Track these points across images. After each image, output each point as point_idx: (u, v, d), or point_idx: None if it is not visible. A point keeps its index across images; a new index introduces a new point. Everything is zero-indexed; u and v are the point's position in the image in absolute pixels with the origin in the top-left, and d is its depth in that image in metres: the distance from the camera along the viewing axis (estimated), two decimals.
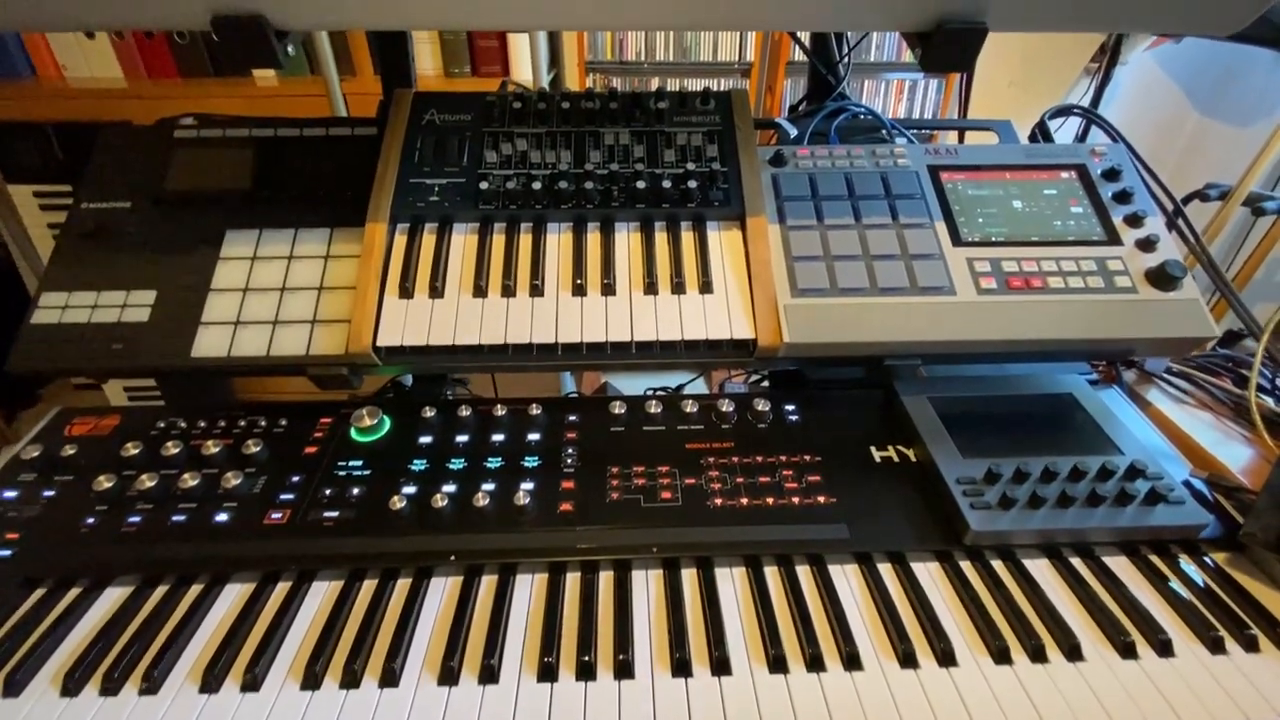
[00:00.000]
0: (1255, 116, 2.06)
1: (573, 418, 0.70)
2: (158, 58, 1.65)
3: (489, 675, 0.49)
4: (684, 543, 0.58)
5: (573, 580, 0.57)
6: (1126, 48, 1.70)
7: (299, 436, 0.68)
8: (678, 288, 0.68)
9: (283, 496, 0.62)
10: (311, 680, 0.49)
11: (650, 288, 0.67)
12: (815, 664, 0.50)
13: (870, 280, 0.67)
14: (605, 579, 0.57)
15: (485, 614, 0.53)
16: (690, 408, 0.70)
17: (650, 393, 0.88)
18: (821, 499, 0.62)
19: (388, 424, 0.69)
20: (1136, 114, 2.26)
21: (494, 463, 0.65)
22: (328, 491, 0.62)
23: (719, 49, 2.11)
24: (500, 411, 0.69)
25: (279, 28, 0.52)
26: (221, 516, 0.60)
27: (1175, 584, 0.57)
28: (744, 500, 0.62)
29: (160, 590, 0.57)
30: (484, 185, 0.71)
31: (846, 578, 0.57)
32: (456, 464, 0.65)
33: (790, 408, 0.71)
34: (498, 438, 0.67)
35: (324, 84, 1.55)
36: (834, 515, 0.60)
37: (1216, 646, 0.52)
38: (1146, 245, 0.70)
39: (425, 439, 0.67)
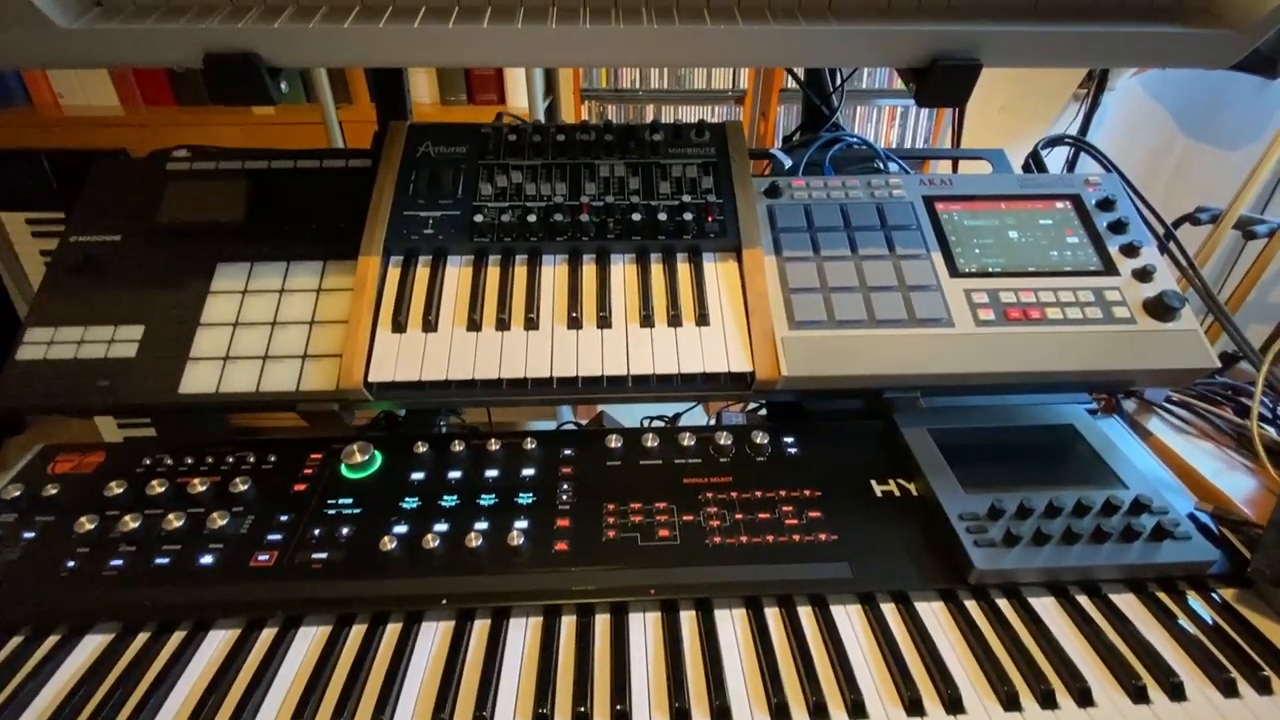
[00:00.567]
0: (1242, 140, 2.08)
1: (568, 451, 0.68)
2: (154, 86, 1.66)
3: None
4: (682, 584, 0.57)
5: (568, 624, 0.55)
6: (1114, 74, 1.72)
7: (289, 473, 0.67)
8: (674, 320, 0.67)
9: (270, 537, 0.60)
10: None
11: (646, 320, 0.67)
12: (819, 712, 0.48)
13: (868, 312, 0.67)
14: (601, 622, 0.55)
15: (478, 661, 0.52)
16: (687, 440, 0.69)
17: (647, 424, 0.88)
18: (823, 536, 0.61)
19: (379, 460, 0.68)
20: (1125, 138, 2.29)
21: (487, 499, 0.64)
22: (316, 531, 0.61)
23: (713, 77, 2.14)
24: (494, 446, 0.68)
25: (271, 65, 0.52)
26: (206, 559, 0.59)
27: (1184, 622, 0.56)
28: (743, 538, 0.60)
29: (142, 637, 0.55)
30: (479, 218, 0.71)
31: (850, 619, 0.55)
32: (449, 501, 0.64)
33: (789, 439, 0.70)
34: (491, 473, 0.66)
35: (321, 112, 1.55)
36: (836, 553, 0.59)
37: (1229, 689, 0.50)
38: (1143, 275, 0.70)
39: (417, 475, 0.66)
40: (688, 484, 0.66)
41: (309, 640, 0.54)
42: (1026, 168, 0.87)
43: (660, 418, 0.97)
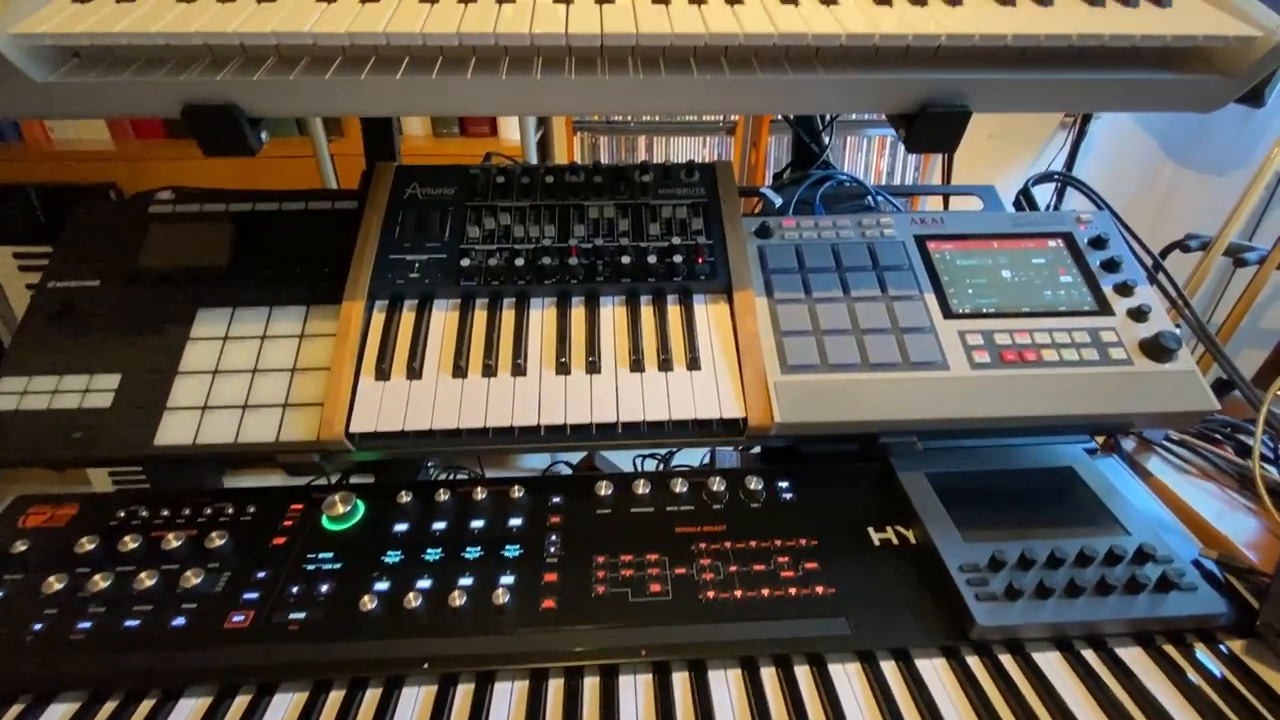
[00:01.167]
0: (1229, 166, 2.11)
1: (556, 499, 0.67)
2: (145, 120, 1.66)
3: None
4: (675, 643, 0.55)
5: (556, 688, 0.53)
6: None
7: (267, 525, 0.64)
8: (665, 365, 0.66)
9: (246, 596, 0.58)
10: None
11: (636, 365, 0.66)
12: None
13: (861, 355, 0.66)
14: (590, 685, 0.53)
15: None
16: (680, 487, 0.67)
17: (639, 462, 0.86)
18: (819, 589, 0.59)
19: (361, 510, 0.66)
20: (1112, 165, 2.31)
21: (473, 552, 0.62)
22: (295, 589, 0.59)
23: None
24: (480, 495, 0.66)
25: (251, 115, 0.51)
26: (179, 620, 0.56)
27: (1192, 676, 0.54)
28: (738, 592, 0.58)
29: (109, 706, 0.53)
30: (466, 261, 0.70)
31: (848, 679, 0.53)
32: (433, 554, 0.61)
33: (784, 484, 0.68)
34: (477, 523, 0.64)
35: (312, 145, 1.55)
36: (833, 608, 0.57)
37: None
38: (1138, 315, 0.69)
39: (400, 526, 0.64)
40: (680, 533, 0.64)
41: (284, 709, 0.52)
42: (1018, 204, 0.87)
43: (653, 455, 0.95)
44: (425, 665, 0.53)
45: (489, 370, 0.64)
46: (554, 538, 0.63)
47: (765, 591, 0.58)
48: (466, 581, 0.59)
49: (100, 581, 0.58)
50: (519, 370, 0.65)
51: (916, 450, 0.69)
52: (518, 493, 0.67)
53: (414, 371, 0.64)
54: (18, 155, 1.61)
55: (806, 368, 0.65)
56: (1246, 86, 0.53)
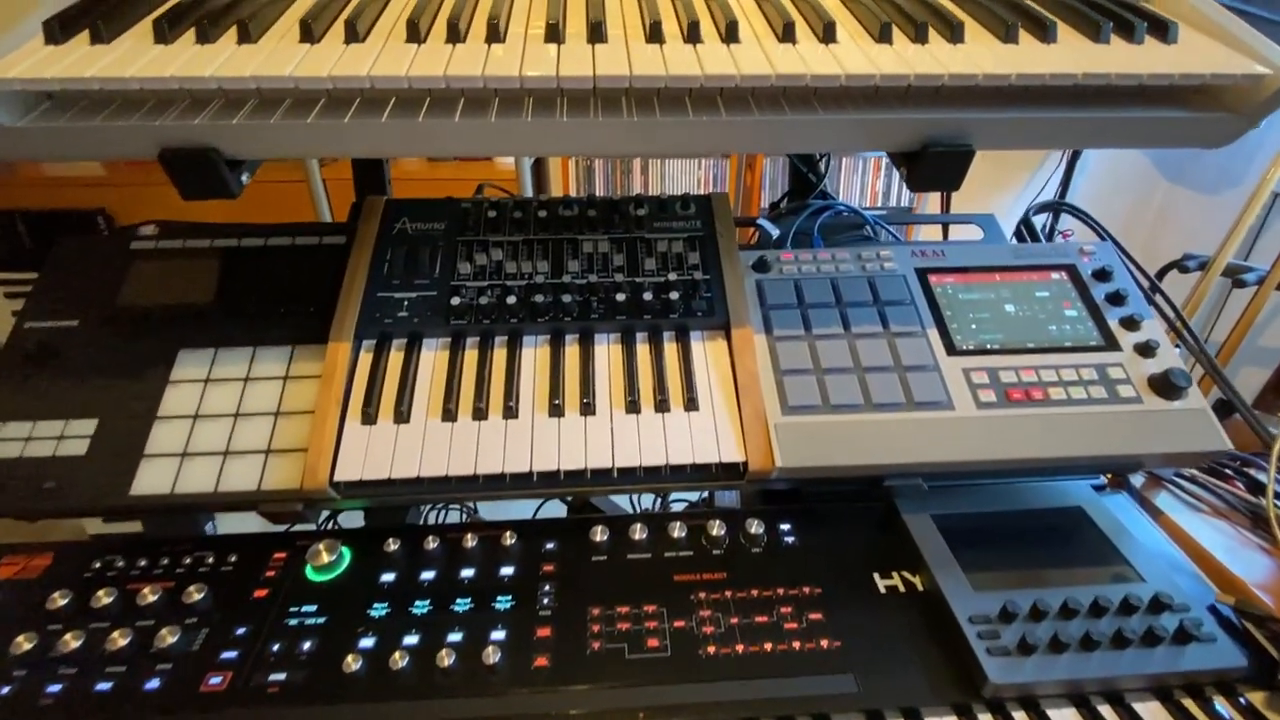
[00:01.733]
0: (1224, 184, 2.11)
1: (550, 545, 0.64)
2: None
3: None
4: (674, 704, 0.52)
5: None
6: None
7: (249, 576, 0.62)
8: (661, 405, 0.64)
9: (225, 655, 0.55)
10: None
11: (632, 406, 0.63)
12: None
13: (864, 395, 0.64)
14: None
15: None
16: (678, 531, 0.65)
17: (634, 501, 0.84)
18: (824, 642, 0.56)
19: (347, 559, 0.63)
20: (1107, 183, 2.32)
21: (462, 604, 0.59)
22: (276, 647, 0.56)
23: None
24: (471, 542, 0.64)
25: (232, 158, 0.49)
26: (153, 683, 0.54)
27: None
28: (739, 647, 0.56)
29: None
30: (456, 299, 0.68)
31: None
32: (421, 607, 0.59)
33: (785, 526, 0.66)
34: (467, 572, 0.62)
35: (304, 170, 1.54)
36: (839, 663, 0.55)
37: None
38: (1146, 350, 0.68)
39: (387, 576, 0.61)
40: (679, 581, 0.61)
41: None
42: (1019, 234, 0.86)
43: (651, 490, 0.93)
44: None
45: (479, 413, 0.62)
46: (547, 587, 0.60)
47: (768, 646, 0.56)
48: (456, 638, 0.56)
49: (72, 641, 0.55)
50: (510, 413, 0.63)
51: (921, 489, 0.67)
52: (510, 539, 0.64)
53: (401, 415, 0.62)
54: (5, 181, 1.59)
55: (808, 408, 0.63)
56: (1255, 123, 0.52)
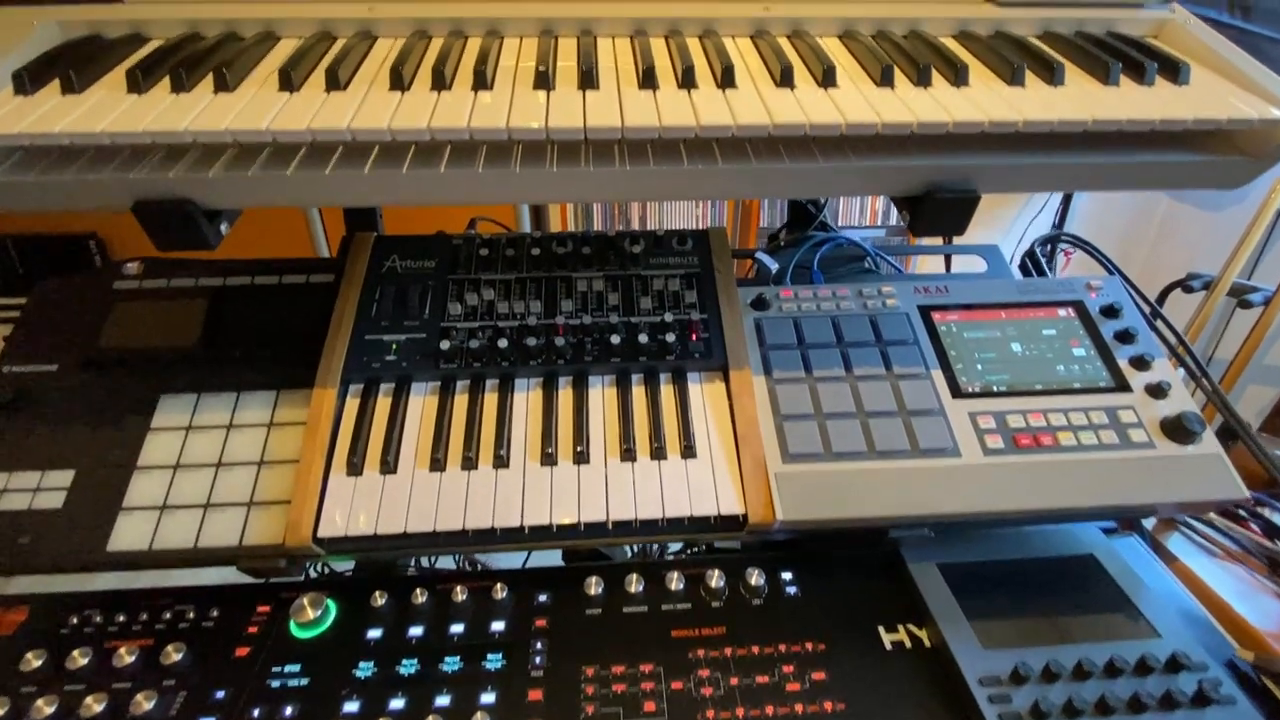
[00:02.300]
0: (1225, 201, 2.09)
1: (543, 597, 0.62)
2: None
3: None
4: None
5: None
6: None
7: (230, 632, 0.59)
8: (657, 453, 0.62)
9: None
10: None
11: (628, 454, 0.61)
12: None
13: (867, 442, 0.62)
14: None
15: None
16: (675, 583, 0.62)
17: (630, 548, 0.81)
18: (829, 705, 0.54)
19: (333, 613, 0.61)
20: (1108, 200, 2.30)
21: (451, 663, 0.57)
22: (256, 712, 0.54)
23: None
24: (461, 595, 0.61)
25: (209, 209, 0.48)
26: None
27: None
28: (740, 710, 0.53)
29: None
30: (446, 343, 0.66)
31: None
32: (408, 666, 0.57)
33: (787, 576, 0.64)
34: (457, 628, 0.59)
35: None
36: None
37: None
38: (1157, 392, 0.65)
39: (374, 633, 0.59)
40: (676, 637, 0.59)
41: None
42: (1023, 267, 0.84)
43: None
44: None
45: (469, 462, 0.60)
46: (539, 644, 0.58)
47: (770, 709, 0.54)
48: (443, 701, 0.54)
49: (45, 707, 0.53)
50: (501, 462, 0.60)
51: (926, 536, 0.65)
52: (501, 592, 0.62)
53: (388, 465, 0.60)
54: None
55: (809, 456, 0.61)
56: (1272, 165, 0.50)
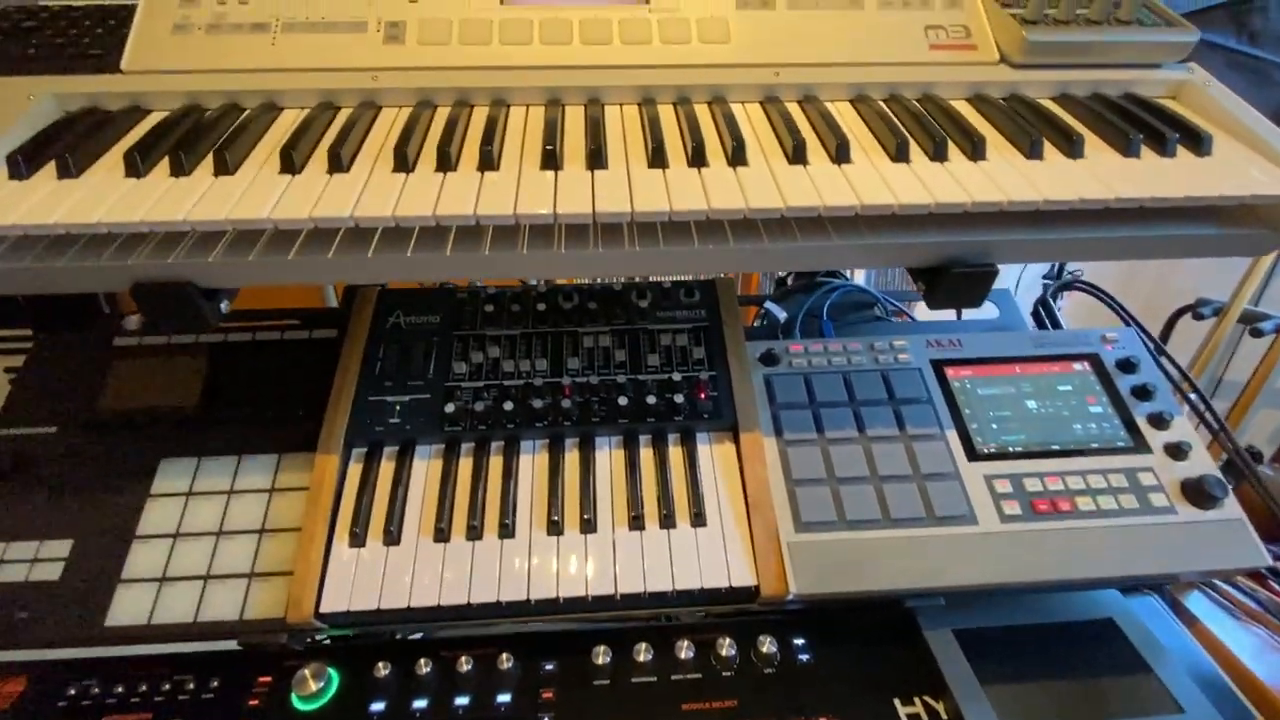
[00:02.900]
0: None
1: (549, 666, 0.60)
2: None
3: None
4: None
5: None
6: None
7: (231, 706, 0.58)
8: (666, 521, 0.60)
9: None
10: None
11: (636, 522, 0.60)
12: None
13: (882, 509, 0.60)
14: None
15: None
16: (685, 652, 0.61)
17: (639, 621, 0.80)
18: None
19: (335, 683, 0.59)
20: None
21: None
22: None
23: None
24: (466, 665, 0.60)
25: (208, 288, 0.47)
26: None
27: None
28: None
29: None
30: (450, 406, 0.65)
31: None
32: None
33: (800, 641, 0.62)
34: (462, 700, 0.58)
35: None
36: None
37: None
38: (1177, 453, 0.64)
39: (377, 706, 0.58)
40: (686, 711, 0.58)
41: None
42: (1036, 315, 0.83)
43: None
44: None
45: (474, 532, 0.59)
46: (547, 718, 0.57)
47: None
48: None
49: None
50: (506, 531, 0.59)
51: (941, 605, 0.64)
52: (506, 662, 0.60)
53: (392, 536, 0.58)
54: None
55: (822, 525, 0.60)
56: None
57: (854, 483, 0.62)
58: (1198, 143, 0.49)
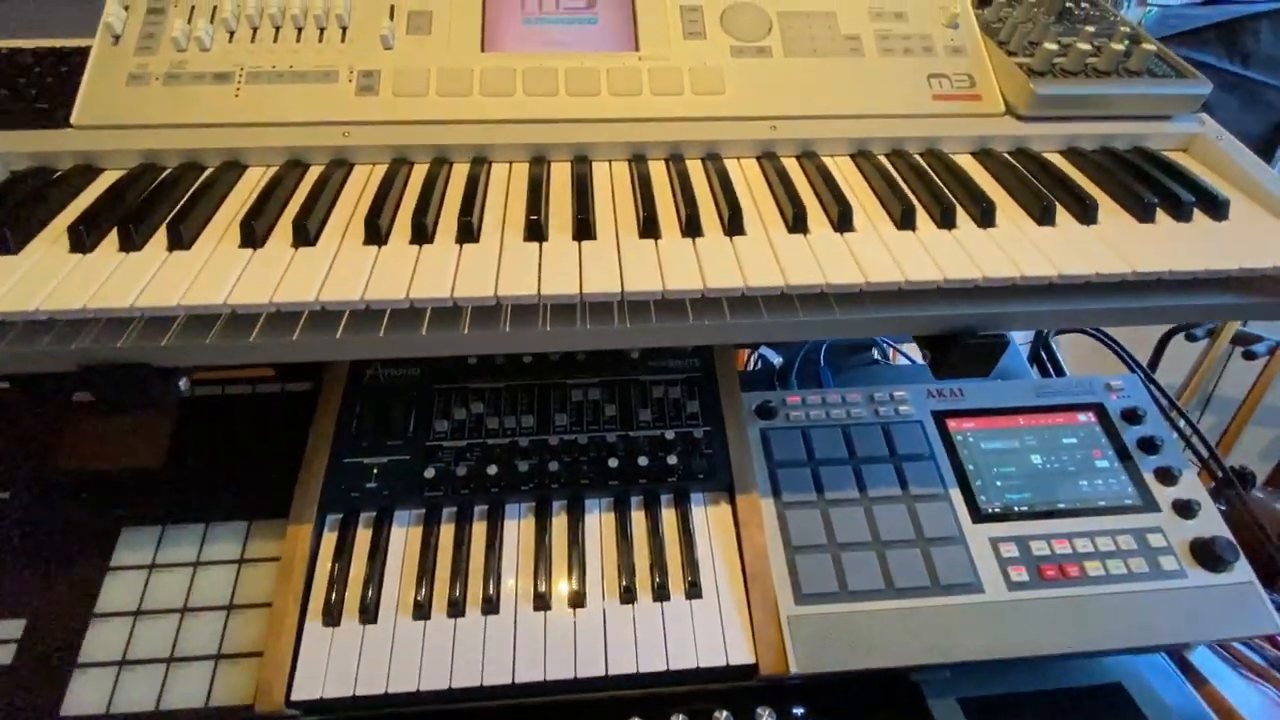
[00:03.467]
0: None
1: None
2: None
3: None
4: None
5: None
6: None
7: None
8: (660, 592, 0.57)
9: None
10: None
11: (627, 594, 0.57)
12: None
13: (885, 577, 0.58)
14: None
15: None
16: None
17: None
18: None
19: None
20: None
21: None
22: None
23: None
24: None
25: (164, 367, 0.43)
26: None
27: None
28: None
29: None
30: (431, 468, 0.61)
31: None
32: None
33: (799, 712, 0.59)
34: None
35: None
36: None
37: None
38: (1186, 511, 0.62)
39: None
40: None
41: None
42: (1035, 357, 0.81)
43: None
44: None
45: (455, 609, 0.56)
46: None
47: None
48: None
49: None
50: (490, 607, 0.56)
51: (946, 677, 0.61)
52: None
53: (368, 614, 0.55)
54: None
55: (823, 596, 0.57)
56: None
57: (855, 549, 0.59)
58: (1215, 208, 0.47)
